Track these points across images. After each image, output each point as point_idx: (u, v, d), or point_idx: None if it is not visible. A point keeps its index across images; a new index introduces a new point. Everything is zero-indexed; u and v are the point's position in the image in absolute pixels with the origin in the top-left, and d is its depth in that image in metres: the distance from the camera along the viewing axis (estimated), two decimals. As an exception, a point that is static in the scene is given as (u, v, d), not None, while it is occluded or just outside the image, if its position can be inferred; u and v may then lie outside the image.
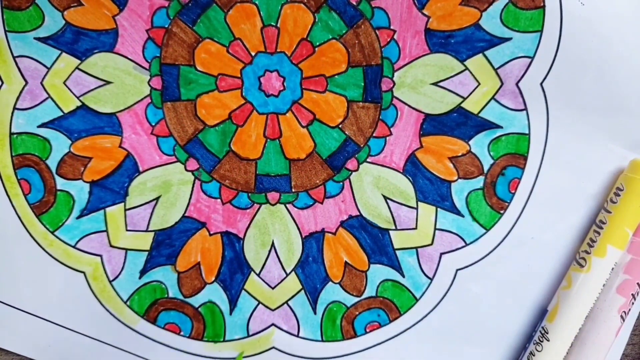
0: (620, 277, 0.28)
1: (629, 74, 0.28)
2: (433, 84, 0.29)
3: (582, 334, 0.28)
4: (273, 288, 0.30)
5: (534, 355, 0.28)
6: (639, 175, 0.28)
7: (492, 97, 0.29)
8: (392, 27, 0.28)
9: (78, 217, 0.29)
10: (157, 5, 0.28)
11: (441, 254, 0.30)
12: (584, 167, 0.29)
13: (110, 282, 0.30)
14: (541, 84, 0.29)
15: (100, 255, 0.30)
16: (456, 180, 0.29)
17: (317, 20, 0.28)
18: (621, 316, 0.28)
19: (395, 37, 0.28)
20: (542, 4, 0.28)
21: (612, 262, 0.28)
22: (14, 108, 0.29)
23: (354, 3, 0.28)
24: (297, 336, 0.30)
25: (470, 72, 0.29)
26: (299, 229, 0.30)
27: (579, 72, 0.28)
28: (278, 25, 0.28)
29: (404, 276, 0.30)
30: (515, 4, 0.28)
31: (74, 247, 0.30)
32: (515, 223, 0.30)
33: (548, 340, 0.28)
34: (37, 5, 0.28)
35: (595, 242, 0.28)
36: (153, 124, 0.29)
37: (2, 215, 0.29)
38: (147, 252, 0.30)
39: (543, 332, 0.28)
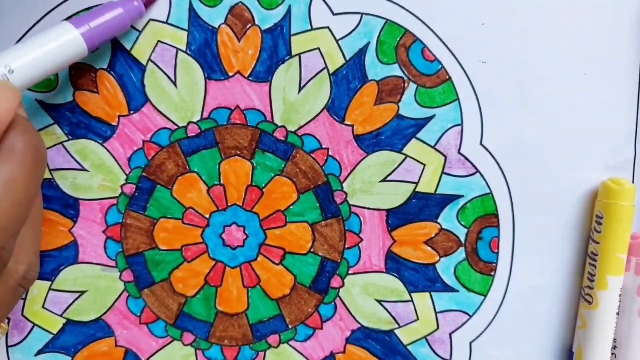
0: (638, 300, 0.29)
1: (555, 99, 0.30)
2: (382, 180, 0.30)
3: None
4: None
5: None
6: (613, 199, 0.29)
7: (442, 172, 0.31)
8: (324, 146, 0.30)
9: None
10: (107, 205, 0.30)
11: (450, 334, 0.31)
12: (554, 202, 0.31)
13: None
14: (481, 143, 0.30)
15: None
16: (438, 260, 0.31)
17: (255, 165, 0.30)
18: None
19: (330, 153, 0.30)
20: (447, 77, 0.30)
21: (617, 291, 0.29)
22: (7, 346, 0.31)
23: (282, 138, 0.30)
24: None
25: (412, 158, 0.30)
26: (308, 360, 0.31)
27: (510, 118, 0.30)
28: (222, 182, 0.30)
29: (424, 367, 0.31)
30: (423, 85, 0.30)
31: None
32: (509, 279, 0.31)
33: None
34: (-4, 246, 0.30)
35: (594, 275, 0.29)
36: (138, 314, 0.31)
37: None
38: None
39: (574, 376, 0.30)
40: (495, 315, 0.31)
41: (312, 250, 0.31)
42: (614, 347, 0.30)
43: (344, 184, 0.31)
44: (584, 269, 0.31)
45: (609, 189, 0.29)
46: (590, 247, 0.30)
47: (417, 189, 0.31)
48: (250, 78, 0.30)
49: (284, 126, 0.30)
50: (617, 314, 0.30)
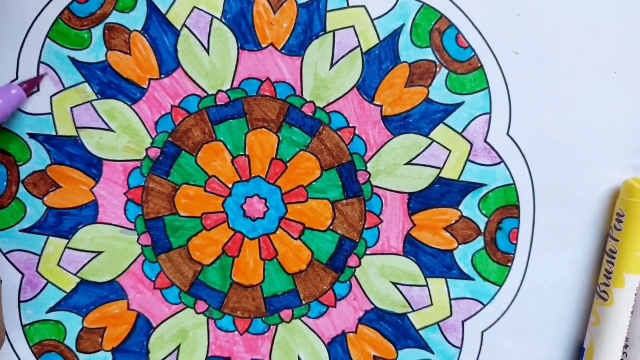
0: None
1: (584, 95, 0.30)
2: (406, 163, 0.30)
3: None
4: (312, 403, 0.31)
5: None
6: (635, 197, 0.29)
7: (467, 159, 0.31)
8: (351, 125, 0.30)
9: (108, 390, 0.31)
10: (131, 167, 0.30)
11: (463, 321, 0.31)
12: (575, 197, 0.31)
13: None
14: (507, 133, 0.30)
15: (139, 422, 0.31)
16: (457, 247, 0.31)
17: (281, 139, 0.30)
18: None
19: (357, 132, 0.30)
20: (479, 65, 0.30)
21: (633, 289, 0.29)
22: (19, 302, 0.31)
23: (310, 114, 0.30)
24: None
25: (438, 143, 0.30)
26: (320, 337, 0.31)
27: (538, 111, 0.30)
28: (247, 153, 0.30)
29: (433, 353, 0.31)
30: (455, 71, 0.30)
31: (111, 421, 0.31)
32: (525, 271, 0.31)
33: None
34: (18, 199, 0.30)
35: (611, 273, 0.29)
36: (153, 279, 0.31)
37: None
38: (182, 405, 0.31)
39: (585, 373, 0.30)
40: (509, 306, 0.31)
41: (331, 227, 0.31)
42: (626, 347, 0.30)
43: (368, 164, 0.31)
44: (600, 266, 0.31)
45: (632, 187, 0.29)
46: (609, 244, 0.30)
47: (441, 175, 0.31)
48: (283, 51, 0.30)
49: (312, 101, 0.30)
50: (631, 313, 0.30)
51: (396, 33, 0.30)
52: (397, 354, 0.31)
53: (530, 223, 0.31)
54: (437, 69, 0.30)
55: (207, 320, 0.31)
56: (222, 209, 0.31)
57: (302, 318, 0.31)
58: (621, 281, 0.29)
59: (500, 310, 0.31)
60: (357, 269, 0.31)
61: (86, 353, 0.31)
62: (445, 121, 0.30)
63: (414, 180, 0.31)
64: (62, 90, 0.30)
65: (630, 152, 0.31)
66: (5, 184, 0.30)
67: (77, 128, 0.30)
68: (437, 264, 0.31)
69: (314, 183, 0.31)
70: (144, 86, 0.30)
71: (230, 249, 0.31)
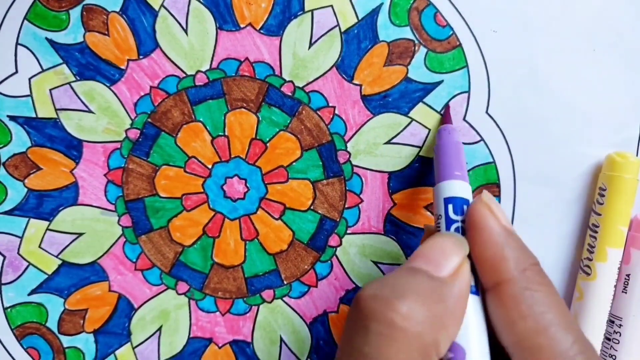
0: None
1: (563, 73, 0.30)
2: (386, 143, 0.31)
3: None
4: (294, 383, 0.31)
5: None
6: (617, 172, 0.29)
7: (446, 138, 0.30)
8: (330, 105, 0.30)
9: (89, 371, 0.31)
10: (111, 148, 0.30)
11: (445, 300, 0.31)
12: (556, 175, 0.31)
13: None
14: (487, 112, 0.30)
15: (121, 402, 0.31)
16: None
17: (260, 119, 0.30)
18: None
19: (336, 112, 0.30)
20: (458, 44, 0.30)
21: (616, 263, 0.29)
22: (0, 284, 0.31)
23: (290, 94, 0.30)
24: None
25: (417, 122, 0.30)
26: (301, 317, 0.31)
27: (517, 89, 0.30)
28: (226, 133, 0.30)
29: (416, 332, 0.31)
30: (434, 50, 0.30)
31: (93, 402, 0.31)
32: (506, 249, 0.31)
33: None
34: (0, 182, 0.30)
35: (594, 247, 0.30)
36: (134, 260, 0.31)
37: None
38: (164, 385, 0.31)
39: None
40: (490, 284, 0.31)
41: (312, 207, 0.31)
42: (620, 326, 0.30)
43: (348, 144, 0.31)
44: (583, 242, 0.31)
45: (614, 161, 0.30)
46: (592, 219, 0.30)
47: (420, 154, 0.31)
48: (261, 31, 0.30)
49: (292, 81, 0.30)
50: (617, 288, 0.30)
51: (375, 12, 0.30)
52: (379, 333, 0.32)
53: (511, 201, 0.31)
54: (416, 48, 0.30)
55: (189, 301, 0.31)
56: (202, 190, 0.31)
57: (284, 298, 0.32)
58: (604, 255, 0.29)
59: (482, 289, 0.31)
60: (338, 248, 0.31)
61: (68, 335, 0.31)
62: (424, 100, 0.31)
63: (394, 160, 0.31)
64: (40, 72, 0.30)
65: (610, 129, 0.31)
66: (-15, 166, 0.31)
67: (56, 110, 0.30)
68: (417, 243, 0.31)
69: (294, 163, 0.31)
70: (123, 67, 0.30)
71: (210, 229, 0.31)
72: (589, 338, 0.29)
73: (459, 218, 0.25)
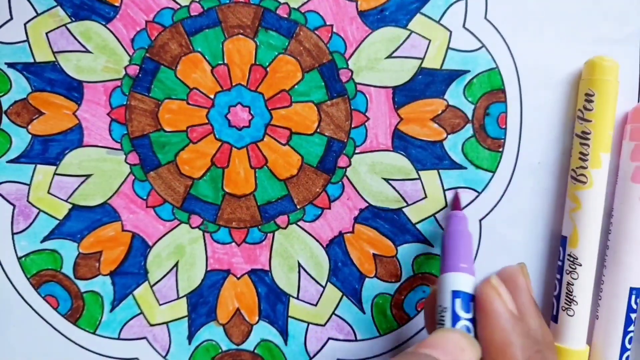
0: (631, 166, 0.29)
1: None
2: (387, 57, 0.30)
3: (613, 235, 0.30)
4: (316, 305, 0.31)
5: (572, 285, 0.29)
6: (604, 75, 0.29)
7: (447, 47, 0.30)
8: (328, 23, 0.30)
9: (111, 310, 0.31)
10: (111, 87, 0.30)
11: (460, 211, 0.31)
12: (559, 77, 0.31)
13: (164, 357, 0.31)
14: (485, 17, 0.30)
15: (145, 337, 0.31)
16: (446, 137, 0.31)
17: (258, 44, 0.30)
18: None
19: (334, 30, 0.30)
20: (455, -54, 0.30)
21: (607, 168, 0.29)
22: (12, 234, 0.31)
23: (285, 16, 0.30)
24: (356, 340, 0.31)
25: (417, 34, 0.30)
26: (317, 241, 0.31)
27: (517, -7, 0.30)
28: (225, 62, 0.30)
29: (432, 246, 0.31)
30: (430, -45, 0.30)
31: (118, 339, 0.31)
32: (517, 155, 0.31)
33: (580, 265, 0.29)
34: (3, 130, 0.30)
35: (587, 154, 0.29)
36: (145, 198, 0.31)
37: (42, 334, 0.31)
38: (186, 318, 0.31)
39: (572, 259, 0.29)
40: (504, 192, 0.31)
41: (318, 130, 0.31)
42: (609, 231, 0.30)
43: (349, 62, 0.31)
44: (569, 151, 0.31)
45: (598, 65, 0.29)
46: (580, 127, 0.30)
47: (423, 65, 0.31)
48: (252, -45, 0.30)
49: (286, 3, 0.30)
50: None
51: None
52: (397, 250, 0.31)
53: (518, 106, 0.31)
54: (409, -42, 0.30)
55: (203, 234, 0.31)
56: (206, 121, 0.31)
57: (298, 223, 0.31)
58: (598, 161, 0.29)
59: (496, 198, 0.31)
60: (347, 169, 0.31)
61: (84, 279, 0.31)
62: (422, 11, 0.30)
63: (397, 74, 0.31)
64: (35, 16, 0.30)
65: (609, 26, 0.31)
66: (-13, 116, 0.30)
67: (54, 53, 0.30)
68: (427, 156, 0.31)
69: (296, 86, 0.31)
70: (117, 4, 0.30)
71: (219, 160, 0.31)
72: (593, 248, 0.29)
73: (467, 316, 0.26)
